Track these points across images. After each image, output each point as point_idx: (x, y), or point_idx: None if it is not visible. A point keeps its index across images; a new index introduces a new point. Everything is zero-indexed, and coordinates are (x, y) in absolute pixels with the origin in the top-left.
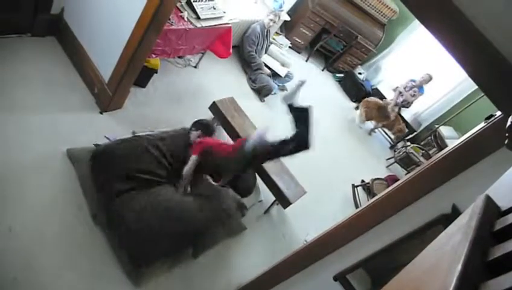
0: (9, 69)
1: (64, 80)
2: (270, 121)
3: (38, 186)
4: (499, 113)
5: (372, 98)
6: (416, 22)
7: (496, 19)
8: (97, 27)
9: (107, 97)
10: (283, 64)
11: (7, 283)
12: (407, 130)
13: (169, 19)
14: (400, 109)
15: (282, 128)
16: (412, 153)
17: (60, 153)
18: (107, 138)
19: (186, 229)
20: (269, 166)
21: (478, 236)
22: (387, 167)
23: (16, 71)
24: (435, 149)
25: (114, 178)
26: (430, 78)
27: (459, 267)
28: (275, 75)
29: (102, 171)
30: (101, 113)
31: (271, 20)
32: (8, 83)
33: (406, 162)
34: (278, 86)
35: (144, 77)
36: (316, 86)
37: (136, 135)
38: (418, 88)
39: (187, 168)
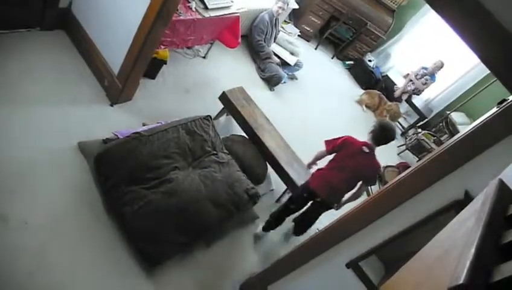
0: (19, 63)
1: (74, 73)
2: (279, 110)
3: (52, 180)
4: (511, 97)
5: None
6: (426, 7)
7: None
8: (105, 19)
9: (117, 89)
10: (292, 53)
11: (23, 277)
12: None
13: (177, 10)
14: (410, 96)
15: (291, 116)
16: (423, 139)
17: (71, 146)
18: (115, 135)
19: (199, 226)
20: (280, 155)
21: (491, 220)
22: (398, 154)
23: (25, 65)
24: (446, 135)
25: (119, 181)
26: (442, 65)
27: (472, 250)
28: (284, 64)
29: (107, 175)
30: (111, 105)
31: (280, 7)
32: (18, 77)
33: (418, 149)
34: (288, 74)
35: (153, 68)
36: (326, 74)
37: (137, 132)
38: (429, 76)
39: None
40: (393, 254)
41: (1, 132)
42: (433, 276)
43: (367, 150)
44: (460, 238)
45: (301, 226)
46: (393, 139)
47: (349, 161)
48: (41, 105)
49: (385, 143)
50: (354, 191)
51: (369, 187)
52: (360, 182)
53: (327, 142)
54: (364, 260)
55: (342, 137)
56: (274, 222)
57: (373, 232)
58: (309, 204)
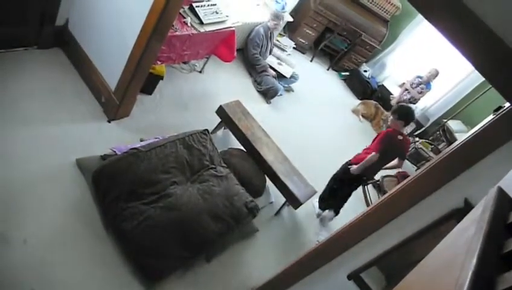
0: (17, 82)
1: (71, 91)
2: (276, 122)
3: (50, 197)
4: (507, 104)
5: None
6: (419, 16)
7: (499, 8)
8: (101, 36)
9: (115, 106)
10: (288, 65)
11: None
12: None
13: (173, 25)
14: None
15: (288, 128)
16: (421, 148)
17: (70, 163)
18: (113, 151)
19: (198, 240)
20: (278, 167)
21: (492, 229)
22: None
23: (23, 84)
24: (444, 144)
25: (118, 197)
26: (437, 73)
27: (474, 261)
28: (280, 76)
29: (105, 191)
30: (109, 121)
31: (275, 24)
32: (16, 95)
33: (416, 157)
34: (284, 87)
35: (150, 84)
36: (322, 86)
37: (135, 147)
38: (425, 84)
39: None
40: (394, 264)
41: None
42: (435, 286)
43: (401, 137)
44: (461, 248)
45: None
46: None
47: (391, 151)
48: (39, 123)
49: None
50: (392, 164)
51: (367, 193)
52: (397, 159)
53: (374, 148)
54: (366, 271)
55: (380, 135)
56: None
57: (374, 243)
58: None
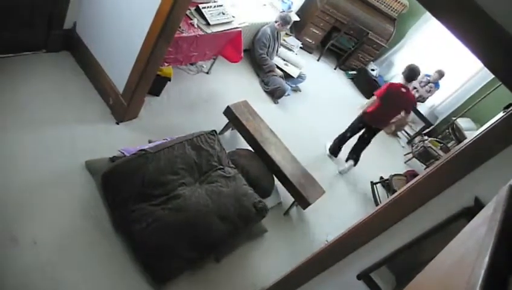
0: (26, 85)
1: (79, 93)
2: (284, 123)
3: (59, 199)
4: None
5: None
6: (427, 14)
7: (509, 5)
8: (109, 39)
9: (122, 107)
10: (295, 65)
11: None
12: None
13: (180, 27)
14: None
15: (296, 128)
16: (430, 147)
17: (78, 165)
18: (122, 152)
19: (207, 241)
20: (286, 167)
21: (504, 228)
22: (405, 162)
23: (32, 87)
24: (453, 142)
25: (127, 199)
26: (443, 73)
27: (486, 260)
28: (287, 76)
29: (114, 192)
30: (117, 123)
31: (282, 26)
32: (25, 98)
33: (425, 156)
34: (291, 87)
35: (158, 85)
36: (329, 85)
37: (144, 149)
38: (433, 83)
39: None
40: (405, 264)
41: (10, 153)
42: (446, 286)
43: (404, 90)
44: (472, 247)
45: (358, 148)
46: (419, 74)
47: (393, 100)
48: (48, 126)
49: (415, 79)
50: (398, 117)
51: (376, 192)
52: (403, 112)
53: (377, 93)
54: (376, 271)
55: (385, 86)
56: (337, 147)
57: (383, 242)
58: (362, 131)
